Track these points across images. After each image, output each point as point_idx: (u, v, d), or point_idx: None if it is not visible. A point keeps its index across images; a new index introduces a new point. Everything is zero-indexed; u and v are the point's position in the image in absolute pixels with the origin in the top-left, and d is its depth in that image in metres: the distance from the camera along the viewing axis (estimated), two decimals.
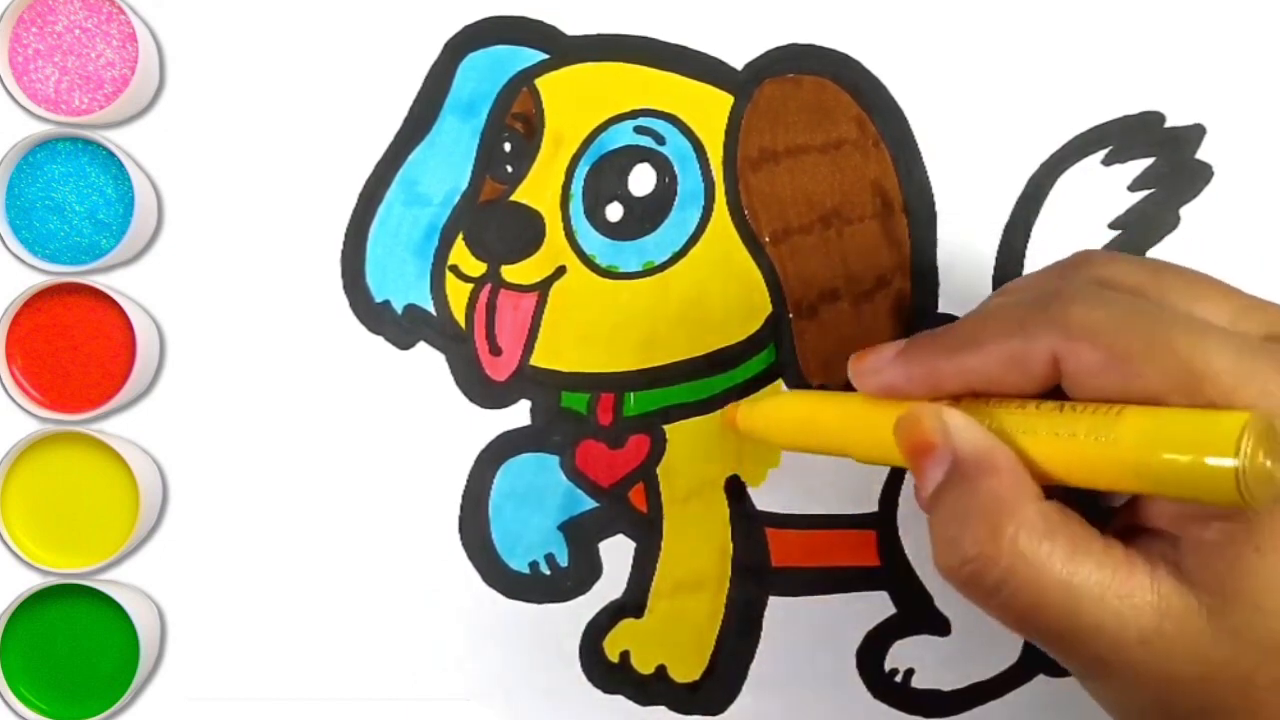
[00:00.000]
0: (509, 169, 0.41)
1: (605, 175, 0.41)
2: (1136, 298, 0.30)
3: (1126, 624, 0.27)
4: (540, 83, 0.41)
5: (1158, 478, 0.26)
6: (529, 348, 0.41)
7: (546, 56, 0.42)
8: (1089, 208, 0.41)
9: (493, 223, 0.41)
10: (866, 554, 0.42)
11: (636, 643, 0.42)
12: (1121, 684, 0.28)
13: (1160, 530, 0.29)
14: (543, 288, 0.41)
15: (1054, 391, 0.30)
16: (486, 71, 0.42)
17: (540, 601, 0.42)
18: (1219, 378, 0.26)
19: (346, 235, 0.42)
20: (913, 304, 0.41)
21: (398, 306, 0.42)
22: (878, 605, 0.42)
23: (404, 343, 0.42)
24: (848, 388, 0.41)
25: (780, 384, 0.41)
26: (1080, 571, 0.27)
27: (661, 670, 0.42)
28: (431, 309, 0.42)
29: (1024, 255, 0.41)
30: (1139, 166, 0.41)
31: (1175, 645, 0.27)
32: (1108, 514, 0.31)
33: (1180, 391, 0.27)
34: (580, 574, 0.42)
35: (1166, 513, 0.29)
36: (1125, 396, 0.28)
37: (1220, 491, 0.26)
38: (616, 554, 0.42)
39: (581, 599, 0.42)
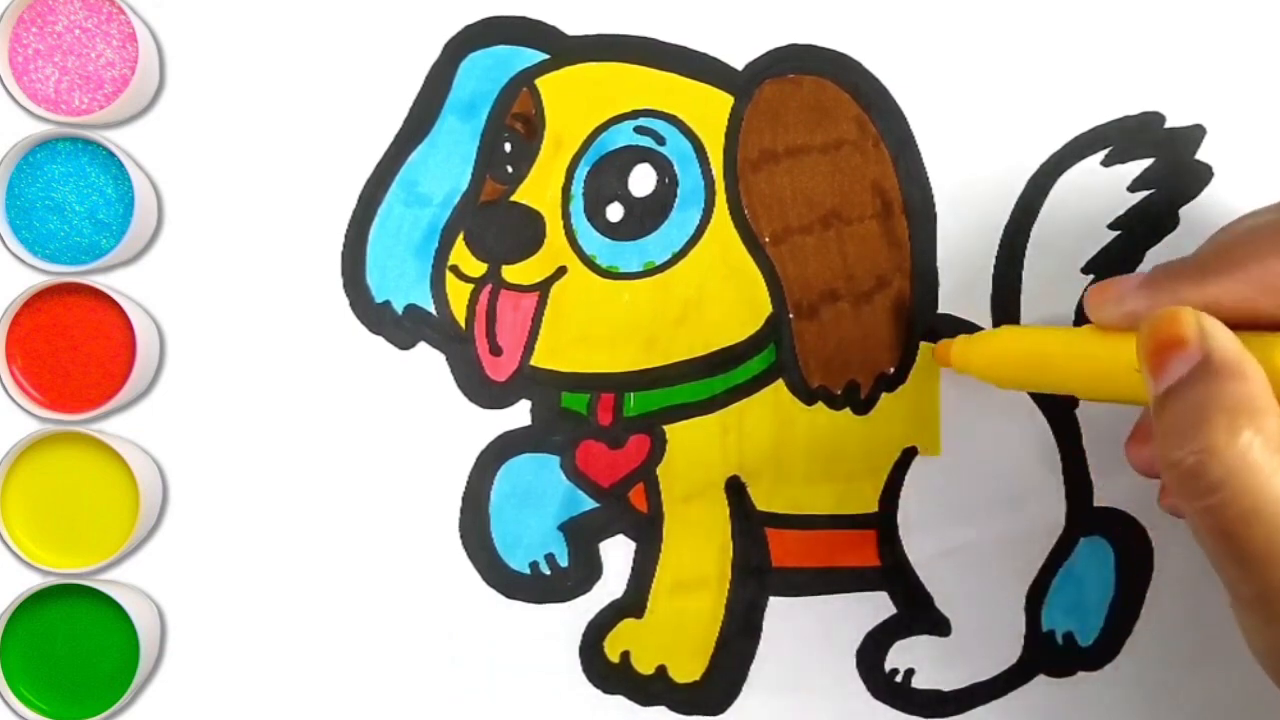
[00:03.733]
0: (509, 169, 0.41)
1: (605, 175, 0.41)
2: None
3: None
4: (540, 83, 0.41)
5: None
6: (529, 348, 0.41)
7: (547, 57, 0.42)
8: (1089, 208, 0.41)
9: (493, 223, 0.41)
10: (866, 554, 0.42)
11: (637, 643, 0.42)
12: None
13: None
14: (543, 288, 0.41)
15: None
16: (487, 72, 0.42)
17: (540, 601, 0.42)
18: None
19: (346, 235, 0.42)
20: (913, 304, 0.41)
21: (398, 307, 0.42)
22: (878, 605, 0.42)
23: (404, 343, 0.42)
24: (848, 388, 0.41)
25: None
26: None
27: (662, 670, 0.42)
28: (432, 309, 0.42)
29: (1024, 255, 0.41)
30: (1139, 167, 0.41)
31: None
32: None
33: None
34: (580, 574, 0.42)
35: None
36: None
37: None
38: (617, 554, 0.42)
39: (581, 599, 0.42)
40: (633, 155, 0.41)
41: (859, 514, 0.41)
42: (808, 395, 0.41)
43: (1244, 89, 0.41)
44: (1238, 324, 0.30)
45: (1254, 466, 0.27)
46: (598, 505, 0.42)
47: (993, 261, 0.41)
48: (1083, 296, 0.35)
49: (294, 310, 0.42)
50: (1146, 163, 0.41)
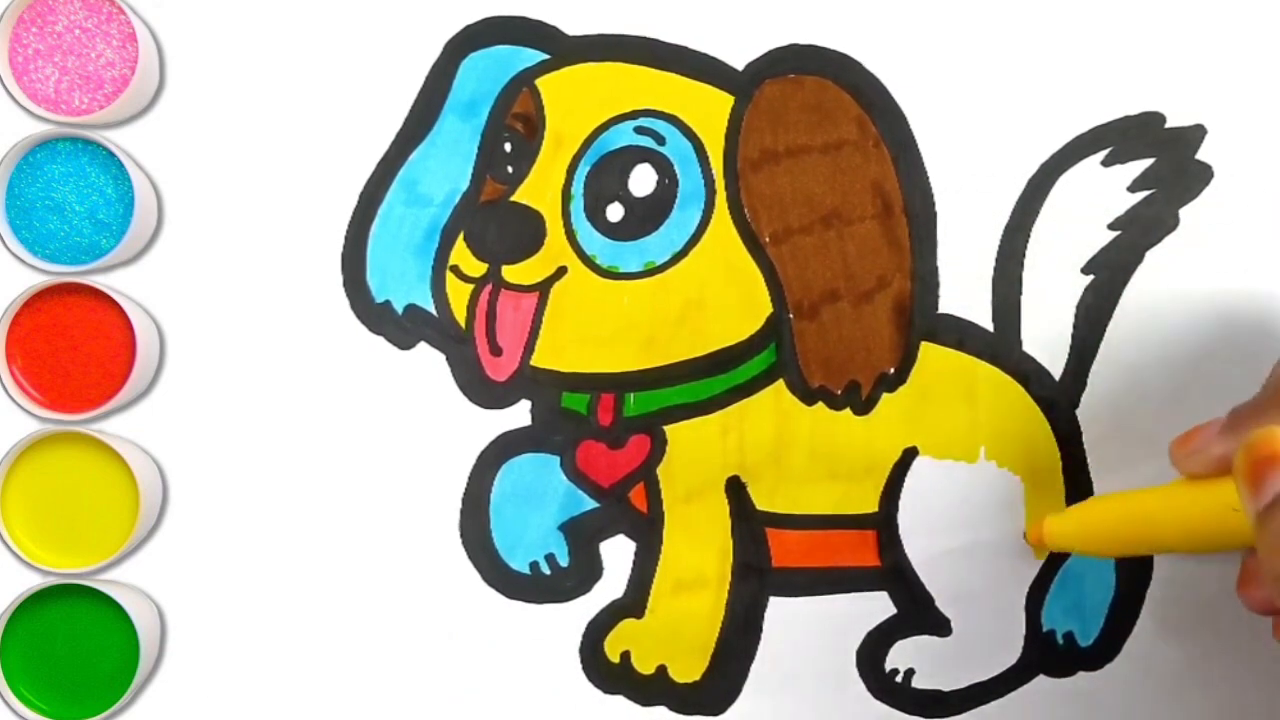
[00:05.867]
0: (509, 169, 0.41)
1: (606, 175, 0.41)
2: None
3: None
4: (541, 83, 0.41)
5: None
6: (529, 348, 0.41)
7: (547, 57, 0.42)
8: (1089, 208, 0.41)
9: (493, 223, 0.41)
10: (866, 554, 0.42)
11: (637, 643, 0.42)
12: None
13: None
14: (543, 288, 0.41)
15: None
16: (487, 72, 0.42)
17: (540, 602, 0.42)
18: None
19: (347, 235, 0.42)
20: (912, 304, 0.41)
21: (398, 307, 0.42)
22: (878, 605, 0.42)
23: (404, 343, 0.42)
24: (849, 388, 0.41)
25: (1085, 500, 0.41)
26: None
27: (662, 670, 0.42)
28: (432, 309, 0.42)
29: (1024, 256, 0.41)
30: (1139, 167, 0.41)
31: None
32: None
33: None
34: (581, 574, 0.42)
35: None
36: None
37: None
38: (617, 554, 0.42)
39: (582, 599, 0.42)
40: (633, 155, 0.41)
41: (859, 514, 0.41)
42: (808, 395, 0.41)
43: (1244, 89, 0.41)
44: None
45: None
46: (598, 505, 0.42)
47: (993, 261, 0.41)
48: (1169, 451, 0.36)
49: (294, 310, 0.42)
50: (1146, 163, 0.41)
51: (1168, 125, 0.41)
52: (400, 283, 0.42)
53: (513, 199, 0.41)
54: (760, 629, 0.42)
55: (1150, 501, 0.37)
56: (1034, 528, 0.40)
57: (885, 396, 0.41)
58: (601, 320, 0.41)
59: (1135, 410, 0.40)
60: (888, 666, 0.42)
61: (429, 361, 0.42)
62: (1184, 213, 0.41)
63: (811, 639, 0.42)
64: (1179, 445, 0.36)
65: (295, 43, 0.42)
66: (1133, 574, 0.41)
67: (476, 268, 0.41)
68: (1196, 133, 0.41)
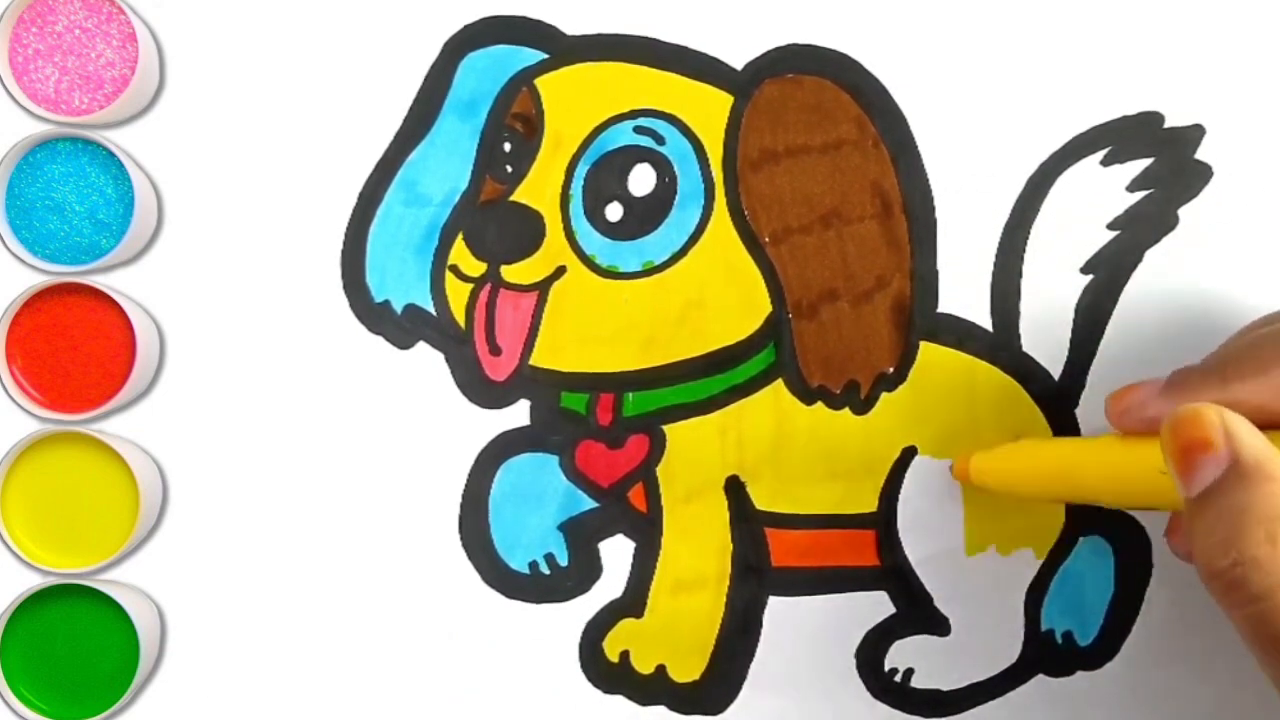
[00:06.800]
0: (509, 169, 0.42)
1: (605, 175, 0.41)
2: None
3: None
4: (540, 83, 0.41)
5: None
6: (529, 347, 0.41)
7: (546, 56, 0.42)
8: (1088, 208, 0.41)
9: (492, 223, 0.41)
10: (866, 554, 0.42)
11: (636, 643, 0.42)
12: None
13: None
14: (542, 287, 0.41)
15: None
16: (486, 71, 0.42)
17: (540, 601, 0.42)
18: None
19: (346, 235, 0.42)
20: (912, 304, 0.41)
21: (397, 306, 0.42)
22: (878, 605, 0.42)
23: (404, 343, 0.42)
24: (848, 388, 0.41)
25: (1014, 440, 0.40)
26: None
27: (661, 670, 0.42)
28: (431, 309, 0.42)
29: (1024, 255, 0.41)
30: (1138, 167, 0.41)
31: None
32: None
33: None
34: (580, 574, 0.42)
35: None
36: None
37: None
38: (616, 554, 0.42)
39: (581, 599, 0.42)
40: (632, 155, 0.41)
41: (858, 514, 0.41)
42: (807, 395, 0.41)
43: (1244, 89, 0.41)
44: (1262, 427, 0.30)
45: None
46: (597, 505, 0.42)
47: (992, 261, 0.41)
48: (1105, 404, 0.36)
49: (294, 310, 0.42)
50: (1146, 163, 0.41)
51: (1166, 125, 0.41)
52: (399, 282, 0.42)
53: (512, 199, 0.41)
54: (759, 628, 0.42)
55: (1080, 451, 0.36)
56: (960, 462, 0.39)
57: (884, 396, 0.41)
58: (601, 320, 0.41)
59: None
60: (887, 666, 0.42)
61: (428, 361, 0.42)
62: (1183, 212, 0.41)
63: (811, 639, 0.42)
64: (1114, 400, 0.35)
65: (295, 43, 0.42)
66: (1132, 574, 0.41)
67: (476, 267, 0.41)
68: (1195, 132, 0.41)
